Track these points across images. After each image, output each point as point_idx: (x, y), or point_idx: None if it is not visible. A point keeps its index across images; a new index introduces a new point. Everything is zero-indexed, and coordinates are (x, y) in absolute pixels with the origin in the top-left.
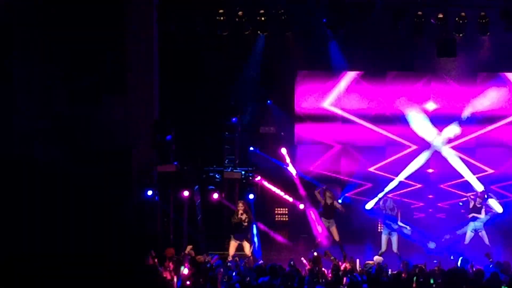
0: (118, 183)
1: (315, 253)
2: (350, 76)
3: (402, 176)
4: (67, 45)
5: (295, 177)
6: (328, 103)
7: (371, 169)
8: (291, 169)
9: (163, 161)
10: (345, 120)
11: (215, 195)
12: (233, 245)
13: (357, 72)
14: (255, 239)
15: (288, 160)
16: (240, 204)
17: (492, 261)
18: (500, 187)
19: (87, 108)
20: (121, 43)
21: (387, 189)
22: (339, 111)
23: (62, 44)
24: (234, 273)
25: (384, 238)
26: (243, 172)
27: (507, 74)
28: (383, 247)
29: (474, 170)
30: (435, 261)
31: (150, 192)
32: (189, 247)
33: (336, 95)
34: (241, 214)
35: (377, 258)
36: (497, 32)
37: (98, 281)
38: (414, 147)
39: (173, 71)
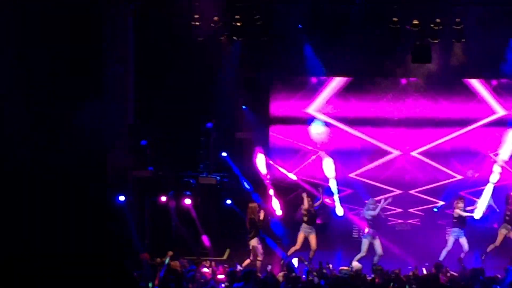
0: (92, 187)
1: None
2: (326, 81)
3: None
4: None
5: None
6: (304, 108)
7: (352, 175)
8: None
9: (138, 166)
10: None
11: (188, 201)
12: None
13: (333, 77)
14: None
15: (263, 171)
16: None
17: (463, 267)
18: (469, 193)
19: (63, 111)
20: (98, 48)
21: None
22: (318, 115)
23: (39, 48)
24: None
25: (365, 242)
26: (218, 178)
27: (478, 81)
28: (364, 252)
29: (443, 176)
30: (409, 267)
31: (122, 198)
32: (169, 253)
33: (313, 100)
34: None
35: (355, 265)
36: (472, 38)
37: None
38: (396, 152)
39: (149, 76)
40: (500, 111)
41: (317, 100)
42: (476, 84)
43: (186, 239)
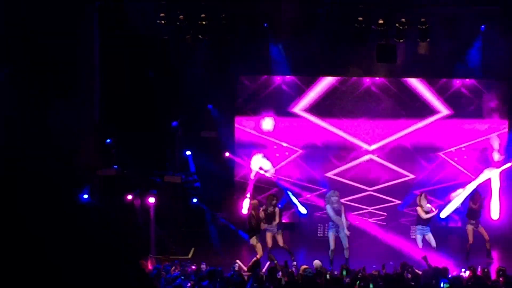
0: (59, 186)
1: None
2: (291, 80)
3: None
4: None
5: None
6: (269, 107)
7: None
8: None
9: (104, 165)
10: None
11: (151, 199)
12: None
13: (298, 76)
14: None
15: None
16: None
17: (429, 265)
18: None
19: (29, 111)
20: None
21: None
22: (283, 114)
23: (5, 48)
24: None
25: (331, 236)
26: (183, 176)
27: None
28: (332, 245)
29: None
30: (374, 266)
31: (86, 196)
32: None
33: (278, 99)
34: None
35: (316, 263)
36: (438, 38)
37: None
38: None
39: (115, 75)
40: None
41: (282, 99)
42: (439, 83)
43: (152, 238)
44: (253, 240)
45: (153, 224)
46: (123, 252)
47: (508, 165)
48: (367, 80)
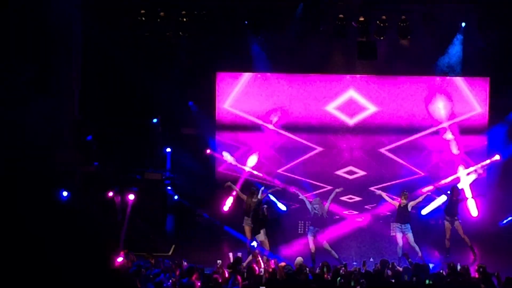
0: (39, 184)
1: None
2: (271, 77)
3: None
4: None
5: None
6: (249, 104)
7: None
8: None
9: (84, 162)
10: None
11: (131, 196)
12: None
13: (279, 73)
14: None
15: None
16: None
17: (410, 262)
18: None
19: (9, 108)
20: (44, 45)
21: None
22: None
23: None
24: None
25: (310, 239)
26: (163, 173)
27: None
28: (313, 249)
29: (405, 173)
30: (354, 263)
31: (65, 193)
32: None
33: (258, 95)
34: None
35: (297, 260)
36: (418, 35)
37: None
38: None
39: (95, 72)
40: (447, 108)
41: (262, 96)
42: (421, 81)
43: (133, 234)
44: (261, 236)
45: (128, 220)
46: (93, 248)
47: (472, 168)
48: (347, 77)
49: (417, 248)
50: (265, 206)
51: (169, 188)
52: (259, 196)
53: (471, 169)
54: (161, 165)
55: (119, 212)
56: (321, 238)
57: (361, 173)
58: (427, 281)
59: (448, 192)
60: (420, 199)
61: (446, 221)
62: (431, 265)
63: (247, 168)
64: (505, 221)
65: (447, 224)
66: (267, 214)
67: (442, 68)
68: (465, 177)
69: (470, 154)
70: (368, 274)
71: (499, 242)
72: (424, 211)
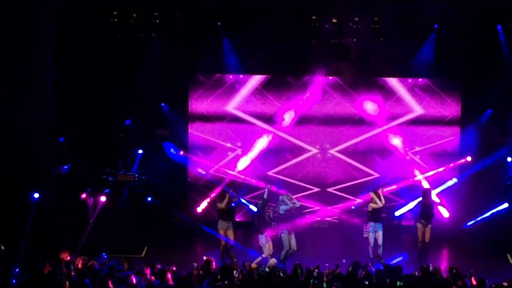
0: (12, 185)
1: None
2: (244, 79)
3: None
4: None
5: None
6: (222, 106)
7: (270, 172)
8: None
9: (57, 163)
10: (239, 121)
11: (103, 198)
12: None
13: (252, 75)
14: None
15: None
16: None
17: (383, 263)
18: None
19: None
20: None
21: None
22: (237, 113)
23: None
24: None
25: (284, 237)
26: (136, 175)
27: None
28: (287, 246)
29: (360, 174)
30: (326, 264)
31: (37, 195)
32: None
33: (232, 97)
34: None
35: (270, 261)
36: (391, 37)
37: None
38: (315, 150)
39: (68, 73)
40: (418, 110)
41: (235, 98)
42: (393, 82)
43: (106, 236)
44: (264, 238)
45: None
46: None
47: (432, 172)
48: (319, 79)
49: (381, 249)
50: (271, 208)
51: (143, 189)
52: (264, 196)
53: (431, 173)
54: (133, 167)
55: (92, 214)
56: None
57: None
58: (398, 283)
59: (420, 198)
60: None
61: (420, 224)
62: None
63: (233, 171)
64: (469, 224)
65: (420, 227)
66: (272, 216)
67: (415, 69)
68: (425, 181)
69: (443, 155)
70: (341, 276)
71: (464, 243)
72: (398, 213)
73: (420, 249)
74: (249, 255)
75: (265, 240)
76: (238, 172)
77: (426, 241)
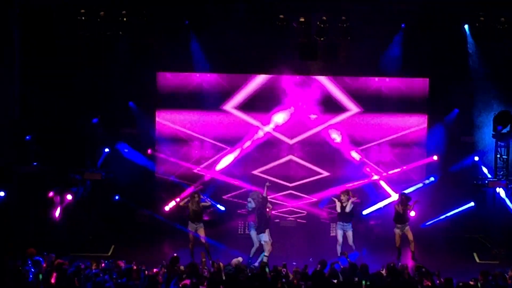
0: None
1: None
2: (212, 78)
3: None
4: None
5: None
6: (189, 104)
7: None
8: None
9: (23, 162)
10: (206, 119)
11: (69, 196)
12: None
13: (219, 73)
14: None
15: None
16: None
17: (349, 261)
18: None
19: None
20: None
21: None
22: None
23: None
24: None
25: (253, 234)
26: (103, 173)
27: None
28: (256, 243)
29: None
30: (294, 263)
31: (2, 193)
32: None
33: (199, 96)
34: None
35: (234, 260)
36: (358, 36)
37: None
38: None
39: (35, 72)
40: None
41: (204, 97)
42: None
43: (72, 234)
44: (265, 236)
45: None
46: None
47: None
48: (287, 78)
49: (353, 248)
50: (270, 206)
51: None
52: (264, 194)
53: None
54: (101, 165)
55: (59, 212)
56: None
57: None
58: (363, 282)
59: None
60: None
61: (396, 228)
62: None
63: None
64: (428, 223)
65: (398, 232)
66: (270, 215)
67: (382, 69)
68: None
69: (409, 155)
70: (308, 275)
71: (430, 242)
72: (366, 212)
73: (398, 253)
74: (232, 255)
75: (267, 238)
76: (216, 171)
77: (410, 239)
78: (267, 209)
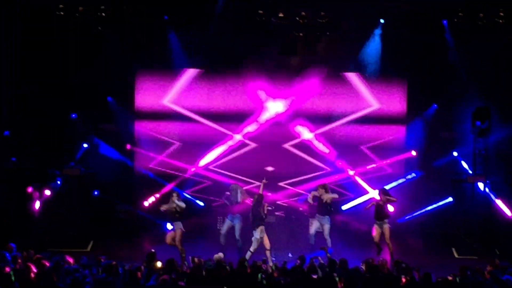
0: None
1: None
2: (190, 73)
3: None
4: None
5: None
6: (168, 101)
7: (211, 166)
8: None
9: (1, 158)
10: (184, 118)
11: (48, 192)
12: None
13: (197, 70)
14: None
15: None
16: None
17: (328, 256)
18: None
19: None
20: None
21: None
22: (178, 109)
23: None
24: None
25: (233, 225)
26: (82, 169)
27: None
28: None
29: (309, 169)
30: (273, 258)
31: None
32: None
33: (176, 92)
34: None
35: (216, 256)
36: (338, 32)
37: None
38: (254, 145)
39: (13, 68)
40: (366, 105)
41: (178, 92)
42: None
43: (51, 230)
44: (257, 233)
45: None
46: None
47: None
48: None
49: (329, 241)
50: (267, 204)
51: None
52: (260, 191)
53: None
54: (80, 161)
55: (37, 207)
56: None
57: (269, 168)
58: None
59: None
60: (335, 195)
61: (375, 224)
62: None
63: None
64: (406, 218)
65: (376, 227)
66: (266, 213)
67: (361, 65)
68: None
69: (388, 150)
70: (288, 270)
71: (409, 238)
72: (345, 207)
73: (377, 249)
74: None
75: (259, 236)
76: (198, 167)
77: (387, 241)
78: (264, 207)
